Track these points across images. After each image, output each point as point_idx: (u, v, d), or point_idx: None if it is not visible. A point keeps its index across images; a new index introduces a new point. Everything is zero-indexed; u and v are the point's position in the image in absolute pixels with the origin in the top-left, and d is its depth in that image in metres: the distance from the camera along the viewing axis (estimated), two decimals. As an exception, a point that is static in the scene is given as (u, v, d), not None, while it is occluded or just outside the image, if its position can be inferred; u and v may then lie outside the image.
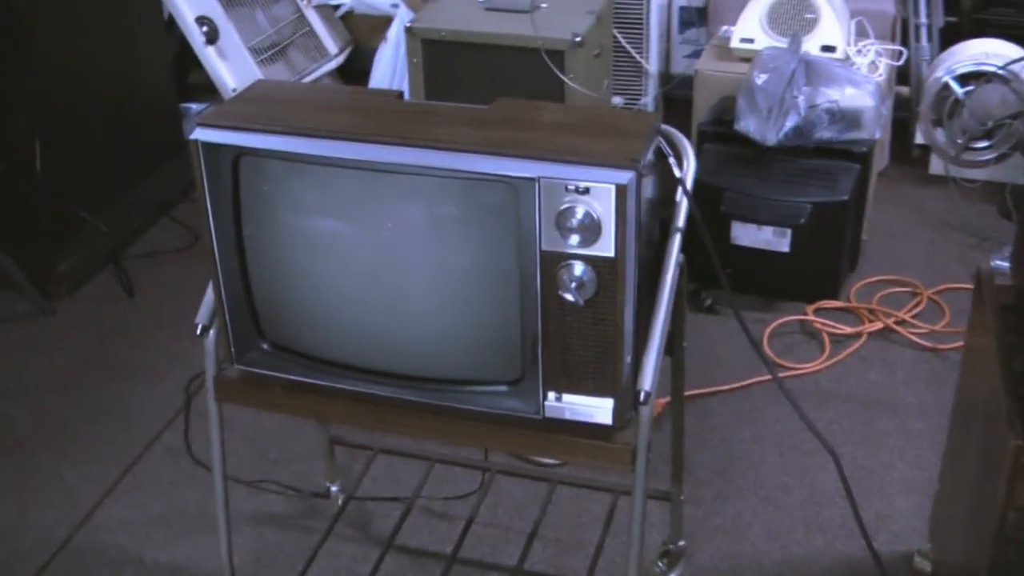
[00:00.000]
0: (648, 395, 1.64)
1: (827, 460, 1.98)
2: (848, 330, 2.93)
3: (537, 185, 1.54)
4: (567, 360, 1.64)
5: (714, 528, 2.35)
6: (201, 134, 1.65)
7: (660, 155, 1.71)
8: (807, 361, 2.83)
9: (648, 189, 1.66)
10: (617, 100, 2.83)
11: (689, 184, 1.75)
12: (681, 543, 2.23)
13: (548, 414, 1.68)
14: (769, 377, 2.73)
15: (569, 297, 1.57)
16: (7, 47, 2.93)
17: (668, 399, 2.40)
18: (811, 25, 3.12)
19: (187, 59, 3.83)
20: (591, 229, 1.54)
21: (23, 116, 2.99)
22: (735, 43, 3.18)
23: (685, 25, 3.76)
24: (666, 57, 3.69)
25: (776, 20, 3.17)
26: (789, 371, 2.79)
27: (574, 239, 1.55)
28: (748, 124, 2.92)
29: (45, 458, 2.58)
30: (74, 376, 2.84)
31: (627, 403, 1.66)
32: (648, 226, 1.67)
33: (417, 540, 2.30)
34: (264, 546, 2.31)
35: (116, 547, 2.34)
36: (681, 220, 1.74)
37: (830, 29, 3.11)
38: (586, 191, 1.53)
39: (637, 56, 3.35)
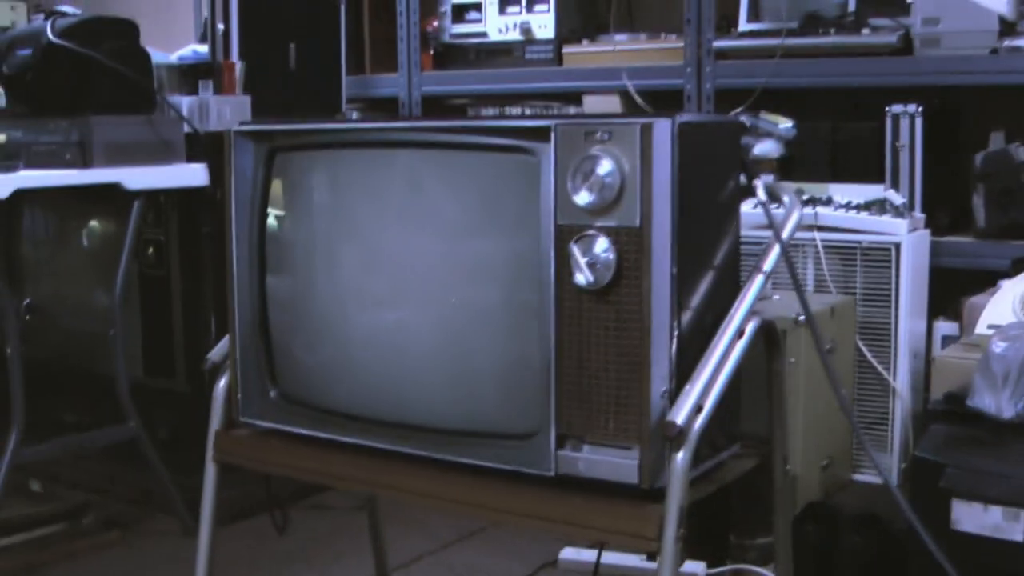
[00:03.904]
0: (680, 431, 1.24)
1: None
2: (1103, 659, 2.28)
3: (553, 134, 1.28)
4: (583, 384, 1.29)
5: None
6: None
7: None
8: None
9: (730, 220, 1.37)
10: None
11: (786, 234, 1.42)
12: None
13: (561, 469, 1.32)
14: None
15: (581, 278, 1.25)
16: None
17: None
18: (1075, 309, 2.69)
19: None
20: (612, 187, 1.25)
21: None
22: (981, 328, 2.77)
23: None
24: (924, 379, 3.27)
25: (1032, 307, 2.76)
26: None
27: (590, 198, 1.26)
28: (983, 399, 2.46)
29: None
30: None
31: (660, 452, 1.26)
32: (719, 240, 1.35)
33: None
34: None
35: None
36: (767, 264, 1.40)
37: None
38: (609, 138, 1.25)
39: (883, 372, 2.97)
